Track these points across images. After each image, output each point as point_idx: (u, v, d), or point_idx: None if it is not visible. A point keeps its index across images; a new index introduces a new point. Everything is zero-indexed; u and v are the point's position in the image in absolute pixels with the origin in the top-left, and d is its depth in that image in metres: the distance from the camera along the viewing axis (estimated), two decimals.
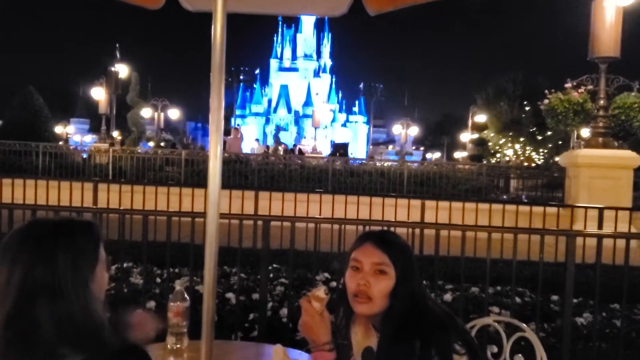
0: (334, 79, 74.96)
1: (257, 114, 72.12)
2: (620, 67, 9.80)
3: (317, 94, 68.94)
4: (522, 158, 39.85)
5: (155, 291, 3.96)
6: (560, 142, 35.83)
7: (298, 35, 75.45)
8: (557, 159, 15.60)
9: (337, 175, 13.10)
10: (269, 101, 73.78)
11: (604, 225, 6.48)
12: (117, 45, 23.41)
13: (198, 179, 12.41)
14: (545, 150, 40.14)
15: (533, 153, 40.96)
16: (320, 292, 1.54)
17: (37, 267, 1.04)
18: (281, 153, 19.74)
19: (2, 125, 22.25)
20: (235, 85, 65.20)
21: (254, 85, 72.86)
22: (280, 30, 74.84)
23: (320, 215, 6.99)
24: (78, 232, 1.13)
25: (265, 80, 75.36)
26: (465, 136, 37.95)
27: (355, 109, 74.01)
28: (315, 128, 32.52)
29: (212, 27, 1.73)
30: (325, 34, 75.86)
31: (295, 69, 74.40)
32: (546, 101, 10.17)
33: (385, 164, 15.82)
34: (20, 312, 1.02)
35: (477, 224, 5.92)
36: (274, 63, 75.37)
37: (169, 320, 1.94)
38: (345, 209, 7.34)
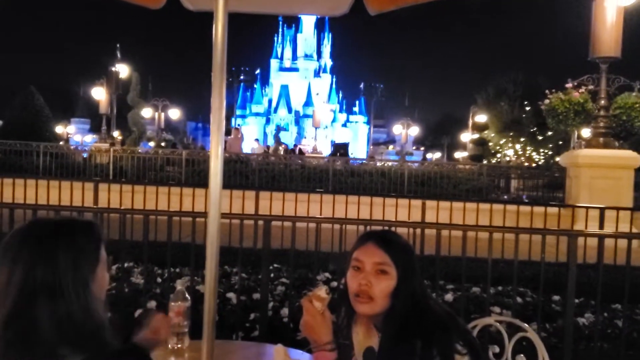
0: (334, 79, 75.05)
1: (257, 114, 72.15)
2: (621, 67, 9.80)
3: (317, 94, 68.93)
4: (522, 158, 39.85)
5: (156, 291, 3.96)
6: (560, 143, 35.83)
7: (298, 35, 75.47)
8: (557, 159, 15.58)
9: (338, 175, 13.10)
10: (270, 101, 73.80)
11: (605, 225, 6.47)
12: (118, 45, 23.44)
13: (199, 179, 12.42)
14: (546, 151, 40.13)
15: (533, 153, 40.95)
16: (322, 291, 1.54)
17: (38, 267, 1.04)
18: (281, 153, 19.75)
19: (3, 125, 22.29)
20: (235, 85, 65.28)
21: (255, 85, 72.88)
22: (280, 30, 74.94)
23: (320, 215, 6.98)
24: (79, 232, 1.13)
25: (265, 80, 75.43)
26: (466, 136, 37.92)
27: (356, 109, 74.03)
28: (316, 128, 32.54)
29: (213, 26, 1.73)
30: (326, 34, 75.90)
31: (296, 69, 74.42)
32: (547, 101, 10.17)
33: (386, 164, 15.82)
34: (20, 311, 1.02)
35: (478, 224, 5.92)
36: (274, 63, 75.39)
37: (170, 320, 1.94)
38: (345, 209, 7.34)
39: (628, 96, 9.68)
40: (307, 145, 33.86)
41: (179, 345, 1.93)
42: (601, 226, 6.39)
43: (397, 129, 37.85)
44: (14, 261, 1.05)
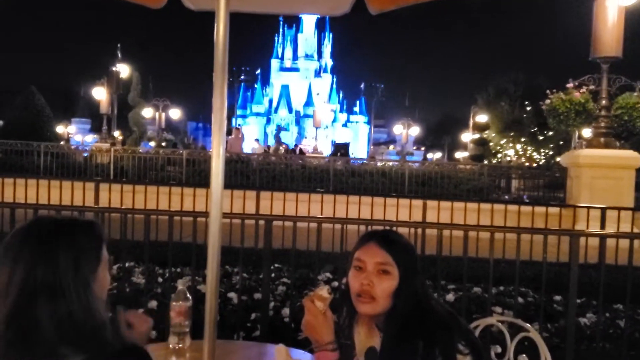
0: (334, 79, 75.06)
1: (258, 114, 72.17)
2: (622, 67, 9.79)
3: (318, 94, 68.96)
4: (523, 158, 39.82)
5: (157, 291, 3.95)
6: (561, 143, 35.80)
7: (299, 35, 75.48)
8: (558, 159, 15.58)
9: (339, 175, 13.09)
10: (270, 101, 73.82)
11: (606, 225, 6.47)
12: (119, 45, 23.44)
13: (199, 178, 12.42)
14: (547, 151, 40.10)
15: (534, 153, 40.92)
16: (324, 291, 1.53)
17: (39, 267, 1.04)
18: (282, 153, 19.74)
19: (4, 125, 22.33)
20: (236, 85, 65.37)
21: (255, 85, 72.91)
22: (281, 30, 74.95)
23: (321, 215, 6.98)
24: (80, 232, 1.12)
25: (266, 80, 75.46)
26: (467, 136, 37.91)
27: (356, 109, 74.03)
28: (316, 128, 32.54)
29: (215, 26, 1.72)
30: (326, 34, 75.90)
31: (296, 69, 74.44)
32: (548, 101, 10.17)
33: (387, 164, 15.81)
34: (21, 311, 1.02)
35: (480, 224, 5.91)
36: (275, 63, 75.41)
37: (172, 320, 1.93)
38: (346, 209, 7.34)
39: (629, 96, 9.67)
40: (307, 145, 33.83)
41: (180, 345, 1.93)
42: (602, 226, 6.39)
43: (398, 129, 37.83)
44: (15, 261, 1.05)
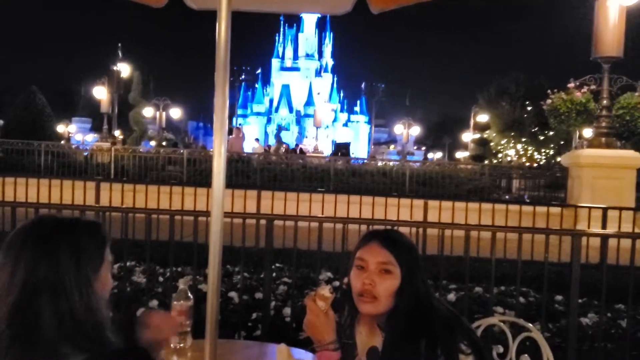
0: (335, 79, 74.99)
1: (258, 114, 72.16)
2: (623, 67, 9.79)
3: (318, 93, 68.96)
4: (524, 158, 39.79)
5: (158, 290, 3.95)
6: (562, 143, 35.78)
7: (300, 34, 75.45)
8: (559, 159, 15.58)
9: (339, 175, 13.09)
10: (271, 101, 73.81)
11: (607, 225, 6.47)
12: (119, 44, 23.46)
13: (200, 178, 12.41)
14: (547, 151, 40.07)
15: (535, 153, 40.89)
16: (325, 291, 1.53)
17: (40, 265, 1.04)
18: (283, 153, 19.73)
19: (5, 124, 22.36)
20: (237, 85, 65.38)
21: (256, 85, 72.92)
22: (282, 29, 74.92)
23: (322, 214, 6.98)
24: (82, 231, 1.13)
25: (266, 80, 75.44)
26: (467, 136, 37.92)
27: (357, 108, 73.99)
28: (317, 128, 32.51)
29: (217, 25, 1.72)
30: (327, 34, 75.89)
31: (297, 69, 74.43)
32: (549, 101, 10.16)
33: (387, 164, 15.80)
34: (22, 308, 1.02)
35: (481, 224, 5.90)
36: (275, 62, 75.40)
37: (173, 319, 1.93)
38: (347, 209, 7.34)
39: (631, 96, 9.67)
40: (308, 145, 33.84)
41: (182, 345, 1.93)
42: (604, 226, 6.38)
43: (398, 128, 37.82)
44: (17, 259, 1.05)
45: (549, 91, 10.43)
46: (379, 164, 16.14)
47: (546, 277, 3.31)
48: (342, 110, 74.08)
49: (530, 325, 2.10)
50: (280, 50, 75.54)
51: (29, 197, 7.43)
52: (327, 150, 34.74)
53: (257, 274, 4.43)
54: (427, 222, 5.96)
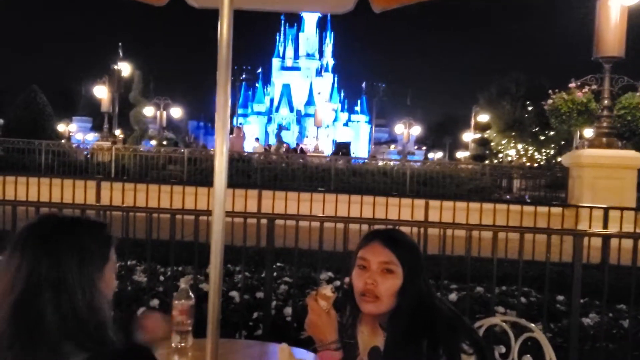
0: (336, 78, 74.96)
1: (259, 113, 72.16)
2: (625, 67, 9.78)
3: (319, 93, 68.96)
4: (524, 158, 39.77)
5: (159, 289, 3.94)
6: (562, 143, 35.76)
7: (300, 34, 75.42)
8: (559, 159, 15.58)
9: (340, 174, 13.08)
10: (271, 100, 73.80)
11: (608, 225, 6.46)
12: (120, 43, 23.45)
13: (201, 177, 12.40)
14: (548, 151, 40.05)
15: (535, 153, 40.87)
16: (327, 290, 1.52)
17: (43, 262, 1.05)
18: (283, 152, 19.73)
19: (6, 123, 22.36)
20: (237, 84, 65.32)
21: (256, 84, 72.90)
22: (282, 29, 74.89)
23: (323, 214, 6.97)
24: (85, 231, 1.13)
25: (267, 79, 75.42)
26: (468, 136, 37.91)
27: (357, 108, 73.97)
28: (317, 127, 32.50)
29: (219, 23, 1.71)
30: (328, 33, 75.88)
31: (298, 68, 74.41)
32: (550, 101, 10.16)
33: (388, 164, 15.80)
34: (26, 304, 1.03)
35: (482, 224, 5.90)
36: (276, 62, 75.39)
37: (174, 319, 1.92)
38: (348, 209, 7.33)
39: (632, 96, 9.66)
40: (308, 145, 33.82)
41: (183, 344, 1.92)
42: (605, 226, 6.38)
43: (399, 128, 37.78)
44: (21, 256, 1.06)
45: (550, 91, 10.42)
46: (380, 163, 16.13)
47: (548, 277, 3.30)
48: (342, 110, 74.06)
49: (533, 325, 2.10)
50: (281, 49, 75.52)
51: (29, 196, 7.43)
52: (327, 150, 34.74)
53: (258, 274, 4.43)
54: (429, 221, 5.96)
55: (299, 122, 70.65)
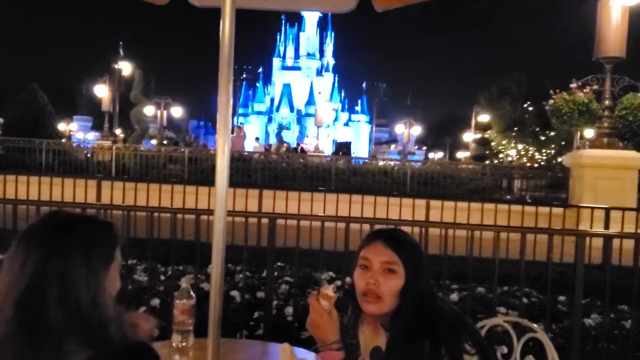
0: (336, 78, 75.00)
1: (259, 113, 72.20)
2: (626, 67, 9.77)
3: (319, 92, 68.99)
4: (524, 159, 39.77)
5: (160, 289, 3.94)
6: (563, 143, 35.76)
7: (301, 33, 75.43)
8: (560, 159, 15.58)
9: (340, 174, 13.08)
10: (272, 100, 73.82)
11: (610, 225, 6.45)
12: (121, 42, 23.44)
13: (201, 177, 12.40)
14: (548, 151, 40.04)
15: (536, 153, 40.87)
16: (329, 290, 1.52)
17: (51, 257, 1.06)
18: (284, 152, 19.72)
19: (6, 122, 22.35)
20: (238, 84, 65.36)
21: (257, 84, 72.96)
22: (283, 28, 74.92)
23: (324, 214, 6.97)
24: (94, 229, 1.15)
25: (267, 79, 75.45)
26: (468, 136, 37.89)
27: (358, 108, 74.00)
28: (318, 127, 32.50)
29: (221, 22, 1.71)
30: (329, 33, 75.92)
31: (298, 68, 74.42)
32: (551, 101, 10.15)
33: (388, 164, 15.79)
34: (30, 297, 1.03)
35: (484, 224, 5.89)
36: (276, 62, 75.40)
37: (175, 318, 1.92)
38: (349, 208, 7.33)
39: (634, 96, 9.66)
40: (309, 144, 33.83)
41: (184, 344, 1.91)
42: (607, 226, 6.37)
43: (399, 128, 37.76)
44: (28, 250, 1.07)
45: (551, 91, 10.41)
46: (380, 163, 16.12)
47: (550, 278, 3.30)
48: (343, 110, 74.08)
49: (535, 325, 2.09)
50: (282, 49, 75.53)
51: (30, 195, 7.43)
52: (328, 149, 34.75)
53: (258, 273, 4.42)
54: (430, 221, 5.95)
55: (299, 121, 70.66)
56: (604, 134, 9.41)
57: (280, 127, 55.79)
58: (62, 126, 35.61)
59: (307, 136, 57.49)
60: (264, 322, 3.45)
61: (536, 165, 32.62)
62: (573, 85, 10.01)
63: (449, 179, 12.80)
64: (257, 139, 25.23)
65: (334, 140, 52.26)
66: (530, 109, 37.90)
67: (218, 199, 1.70)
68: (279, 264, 4.75)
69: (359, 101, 73.49)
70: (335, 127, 69.89)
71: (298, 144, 29.12)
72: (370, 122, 64.97)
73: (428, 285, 1.53)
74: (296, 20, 75.22)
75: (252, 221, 3.77)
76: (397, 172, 13.34)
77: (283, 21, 73.94)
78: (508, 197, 13.15)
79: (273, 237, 3.45)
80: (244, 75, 66.19)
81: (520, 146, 40.90)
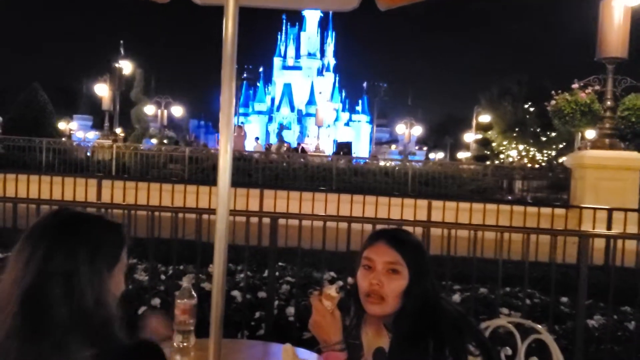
0: (337, 78, 74.95)
1: (260, 113, 72.15)
2: (628, 68, 9.75)
3: (320, 92, 68.96)
4: (525, 159, 39.75)
5: (160, 288, 3.92)
6: (564, 144, 35.75)
7: (302, 33, 75.39)
8: (561, 160, 15.57)
9: (341, 174, 13.08)
10: (272, 100, 73.79)
11: (611, 226, 6.44)
12: (122, 41, 23.42)
13: (202, 176, 12.40)
14: (549, 152, 40.03)
15: (537, 154, 40.86)
16: (332, 290, 1.51)
17: (57, 254, 1.06)
18: (284, 151, 19.72)
19: (7, 120, 22.33)
20: (238, 83, 65.25)
21: (258, 84, 72.93)
22: (284, 28, 74.85)
23: (325, 214, 6.96)
24: (102, 228, 1.15)
25: (268, 79, 75.40)
26: (469, 136, 37.85)
27: (359, 108, 73.96)
28: (319, 127, 32.50)
29: (224, 20, 1.70)
30: (329, 33, 75.86)
31: (299, 68, 74.38)
32: (553, 102, 10.13)
33: (389, 164, 15.79)
34: (35, 293, 1.03)
35: (487, 224, 5.86)
36: (277, 61, 75.36)
37: (176, 318, 1.91)
38: (350, 208, 7.31)
39: (636, 97, 9.63)
40: (309, 144, 33.83)
41: (185, 344, 1.90)
42: (609, 227, 6.36)
43: (400, 128, 37.75)
44: (35, 245, 1.07)
45: (552, 92, 10.39)
46: (381, 163, 16.12)
47: (553, 279, 3.28)
48: (343, 110, 74.04)
49: (540, 326, 2.07)
50: (282, 49, 75.48)
51: (30, 193, 7.42)
52: (328, 149, 34.74)
53: (259, 273, 4.41)
54: (433, 221, 5.93)
55: (300, 121, 70.62)
56: (606, 135, 9.40)
57: (281, 127, 55.84)
58: (62, 125, 35.57)
59: (308, 136, 57.42)
60: (266, 322, 3.44)
61: (537, 166, 32.61)
62: (575, 85, 9.99)
63: (450, 180, 12.79)
64: (257, 139, 25.25)
65: (334, 140, 52.23)
66: (531, 109, 37.88)
67: (220, 198, 1.68)
68: (280, 263, 4.73)
69: (360, 101, 73.48)
70: (335, 127, 69.86)
71: (299, 144, 29.12)
72: (370, 122, 64.92)
73: (432, 286, 1.51)
74: (297, 19, 75.24)
75: (253, 221, 3.76)
76: (398, 173, 13.33)
77: (284, 21, 73.96)
78: (509, 197, 13.14)
79: (275, 236, 3.44)
80: (245, 75, 66.14)
81: (521, 147, 40.88)
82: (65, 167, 13.41)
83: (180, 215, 3.95)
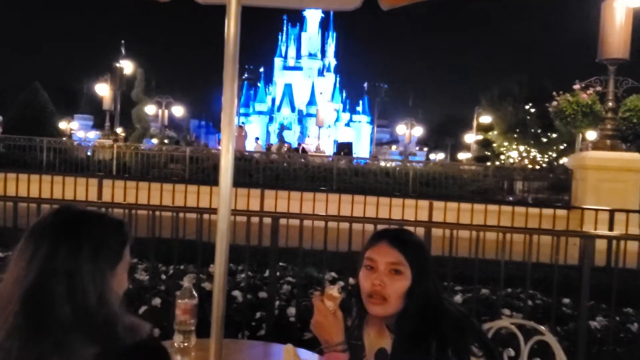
0: (338, 79, 74.98)
1: (260, 113, 72.17)
2: (629, 69, 9.75)
3: (321, 93, 68.97)
4: (526, 160, 39.75)
5: (161, 288, 3.91)
6: (565, 145, 35.75)
7: (303, 34, 75.40)
8: (562, 161, 15.56)
9: (342, 174, 13.08)
10: (273, 100, 73.81)
11: (613, 227, 6.43)
12: (123, 41, 23.45)
13: (202, 176, 12.39)
14: (550, 153, 40.03)
15: (537, 155, 40.86)
16: (334, 291, 1.50)
17: (60, 251, 1.05)
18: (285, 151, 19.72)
19: (7, 120, 22.35)
20: (239, 84, 65.23)
21: (258, 84, 72.97)
22: (284, 28, 74.85)
23: (326, 214, 6.95)
24: (105, 226, 1.14)
25: (269, 79, 75.42)
26: (470, 137, 37.85)
27: (359, 108, 73.96)
28: (319, 127, 32.52)
29: (226, 19, 1.69)
30: (330, 33, 75.86)
31: (300, 68, 74.39)
32: (554, 103, 10.12)
33: (390, 164, 15.79)
34: (38, 290, 1.03)
35: (489, 225, 5.86)
36: (278, 62, 75.38)
37: (177, 318, 1.90)
38: (352, 209, 7.31)
39: (637, 98, 9.63)
40: (310, 145, 33.84)
41: (186, 344, 1.89)
42: (611, 228, 6.35)
43: (401, 129, 37.74)
44: (38, 243, 1.07)
45: (554, 93, 10.39)
46: (382, 164, 16.12)
47: (556, 280, 3.27)
48: (344, 110, 74.04)
49: (543, 328, 2.06)
50: (283, 49, 75.49)
51: (31, 193, 7.43)
52: (329, 150, 34.75)
53: (260, 273, 4.39)
54: (434, 222, 5.92)
55: (300, 122, 70.62)
56: (607, 136, 9.39)
57: (282, 127, 55.82)
58: (63, 125, 35.58)
59: (308, 136, 57.40)
60: (266, 322, 3.43)
61: (538, 167, 32.59)
62: (576, 86, 9.98)
63: (451, 180, 12.79)
64: (257, 139, 25.26)
65: (335, 141, 52.22)
66: (532, 110, 37.88)
67: (222, 198, 1.68)
68: (281, 264, 4.72)
69: (360, 102, 73.49)
70: (336, 127, 69.86)
71: (299, 144, 29.12)
72: (371, 122, 64.92)
73: (434, 286, 1.50)
74: (298, 20, 75.23)
75: (254, 221, 3.75)
76: (399, 173, 13.32)
77: (285, 21, 73.97)
78: (510, 198, 13.12)
79: (276, 236, 3.43)
80: (246, 75, 66.23)
81: (521, 148, 40.87)
82: (66, 167, 13.41)
83: (181, 214, 3.95)
